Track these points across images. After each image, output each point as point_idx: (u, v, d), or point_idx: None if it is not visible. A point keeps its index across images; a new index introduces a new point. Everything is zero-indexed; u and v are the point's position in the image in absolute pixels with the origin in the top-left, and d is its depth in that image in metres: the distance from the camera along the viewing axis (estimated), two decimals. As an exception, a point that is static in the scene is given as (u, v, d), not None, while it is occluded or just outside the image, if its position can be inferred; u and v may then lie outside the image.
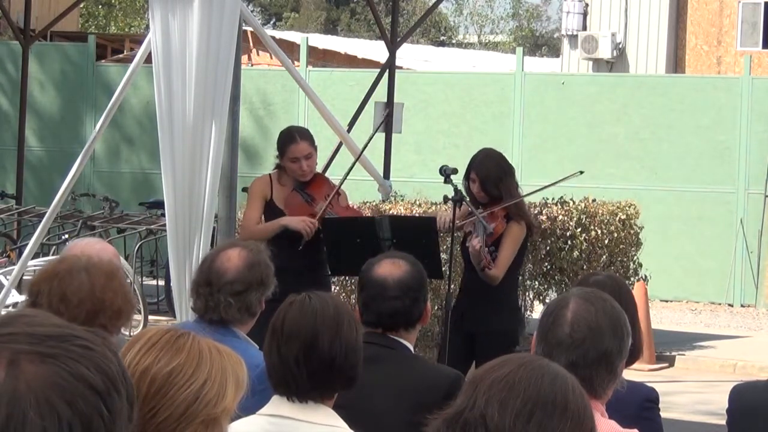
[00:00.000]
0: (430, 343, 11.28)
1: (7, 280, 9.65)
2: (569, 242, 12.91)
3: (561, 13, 24.87)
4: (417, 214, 11.50)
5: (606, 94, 17.67)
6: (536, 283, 13.20)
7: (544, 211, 12.74)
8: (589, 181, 16.65)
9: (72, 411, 1.52)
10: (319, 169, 8.18)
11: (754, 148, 16.97)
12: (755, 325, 15.80)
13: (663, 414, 4.33)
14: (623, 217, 13.51)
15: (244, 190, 9.00)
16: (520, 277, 12.51)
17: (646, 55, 22.82)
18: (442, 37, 50.88)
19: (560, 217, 12.89)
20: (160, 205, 13.58)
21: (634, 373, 9.40)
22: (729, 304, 17.13)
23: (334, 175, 8.71)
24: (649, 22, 22.75)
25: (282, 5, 53.44)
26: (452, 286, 7.71)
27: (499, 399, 2.08)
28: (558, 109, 17.79)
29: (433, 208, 11.90)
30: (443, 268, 7.97)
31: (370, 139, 8.80)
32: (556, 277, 13.00)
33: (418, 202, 12.54)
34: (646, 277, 13.61)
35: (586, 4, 23.27)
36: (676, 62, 23.03)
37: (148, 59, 7.77)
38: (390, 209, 11.58)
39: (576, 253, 12.91)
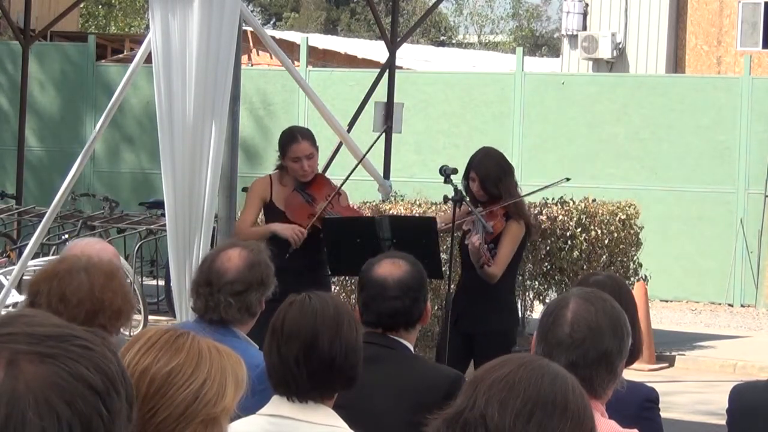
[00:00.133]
0: (430, 343, 11.27)
1: (7, 280, 9.65)
2: (569, 242, 12.91)
3: (561, 13, 24.87)
4: (417, 214, 11.50)
5: (606, 94, 17.67)
6: (536, 283, 13.21)
7: (544, 211, 12.75)
8: (589, 181, 16.68)
9: (71, 411, 1.52)
10: (319, 169, 8.18)
11: (754, 148, 16.97)
12: (755, 325, 15.80)
13: (663, 414, 4.33)
14: (623, 217, 13.51)
15: (244, 190, 9.00)
16: (520, 277, 12.55)
17: (646, 55, 22.82)
18: (442, 37, 50.88)
19: (560, 217, 12.89)
20: (160, 205, 13.58)
21: (634, 373, 9.40)
22: (729, 304, 17.13)
23: (333, 175, 8.71)
24: (649, 22, 22.75)
25: (282, 5, 53.45)
26: (452, 286, 7.71)
27: (499, 399, 2.08)
28: (558, 109, 17.79)
29: (433, 208, 11.90)
30: (443, 268, 7.97)
31: (373, 144, 8.83)
32: (556, 277, 13.01)
33: (418, 202, 12.54)
34: (646, 277, 13.62)
35: (586, 4, 23.27)
36: (676, 62, 23.03)
37: (148, 59, 7.77)
38: (390, 209, 11.58)
39: (576, 253, 12.92)
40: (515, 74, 18.14)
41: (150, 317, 12.97)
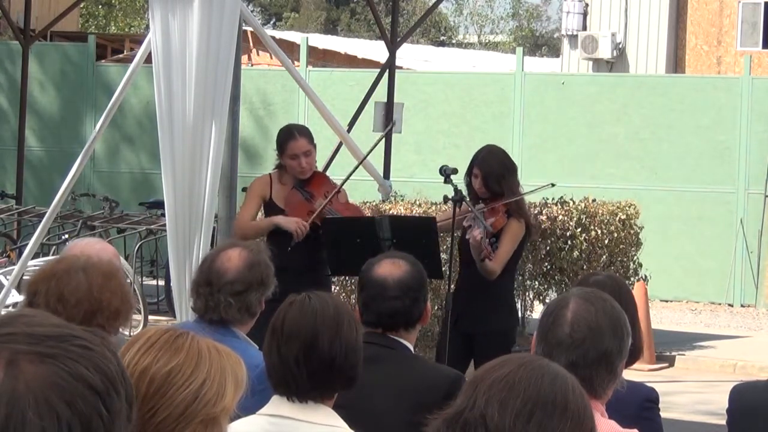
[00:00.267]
0: (430, 343, 11.27)
1: (7, 280, 9.65)
2: (569, 242, 12.91)
3: (561, 13, 24.87)
4: (417, 214, 11.50)
5: (606, 94, 17.67)
6: (536, 283, 13.21)
7: (544, 211, 12.75)
8: (589, 181, 16.69)
9: (71, 411, 1.52)
10: (319, 168, 8.18)
11: (754, 148, 16.97)
12: (755, 325, 15.80)
13: (663, 414, 4.33)
14: (623, 217, 13.51)
15: (244, 190, 9.00)
16: (520, 277, 12.56)
17: (646, 55, 22.82)
18: (442, 37, 50.88)
19: (560, 217, 12.89)
20: (160, 205, 13.58)
21: (634, 373, 9.40)
22: (729, 304, 17.13)
23: (333, 176, 8.71)
24: (649, 22, 22.75)
25: (282, 5, 53.44)
26: (452, 286, 7.71)
27: (499, 399, 2.08)
28: (558, 109, 17.79)
29: (433, 208, 11.90)
30: (443, 268, 7.97)
31: (376, 143, 8.82)
32: (556, 277, 13.01)
33: (418, 202, 12.54)
34: (646, 277, 13.62)
35: (586, 4, 23.27)
36: (676, 62, 23.03)
37: (148, 59, 7.76)
38: (390, 209, 11.58)
39: (576, 253, 12.91)
40: (515, 74, 18.14)
41: (150, 317, 12.97)
